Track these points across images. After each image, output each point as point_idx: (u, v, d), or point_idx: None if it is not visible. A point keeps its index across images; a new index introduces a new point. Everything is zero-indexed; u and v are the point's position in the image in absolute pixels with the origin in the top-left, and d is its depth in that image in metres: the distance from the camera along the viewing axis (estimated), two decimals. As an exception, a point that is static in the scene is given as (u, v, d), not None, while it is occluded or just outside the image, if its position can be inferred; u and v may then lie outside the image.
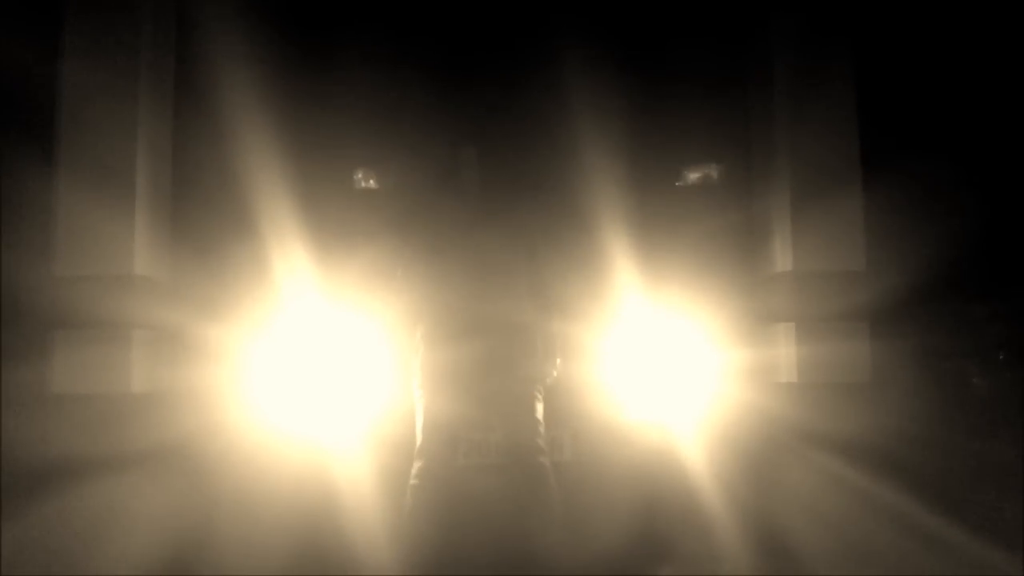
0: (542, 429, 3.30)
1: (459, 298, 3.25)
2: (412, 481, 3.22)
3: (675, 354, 3.96)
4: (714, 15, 4.40)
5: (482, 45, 4.37)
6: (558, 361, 3.42)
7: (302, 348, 3.81)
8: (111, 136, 3.78)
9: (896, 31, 4.12)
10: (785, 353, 4.04)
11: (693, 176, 4.39)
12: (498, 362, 3.23)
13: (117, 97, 3.80)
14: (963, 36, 4.11)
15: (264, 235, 3.91)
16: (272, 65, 3.99)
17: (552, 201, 4.12)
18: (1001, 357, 3.98)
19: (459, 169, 3.41)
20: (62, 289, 3.74)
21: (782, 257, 4.08)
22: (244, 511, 3.73)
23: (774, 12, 4.14)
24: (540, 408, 3.32)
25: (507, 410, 3.28)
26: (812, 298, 3.97)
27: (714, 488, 3.74)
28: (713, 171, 4.36)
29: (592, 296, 3.95)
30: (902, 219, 3.95)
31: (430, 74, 4.30)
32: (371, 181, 4.25)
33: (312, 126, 4.19)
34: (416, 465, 3.24)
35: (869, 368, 3.92)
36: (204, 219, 4.05)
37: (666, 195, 4.35)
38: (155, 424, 3.79)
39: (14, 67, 3.83)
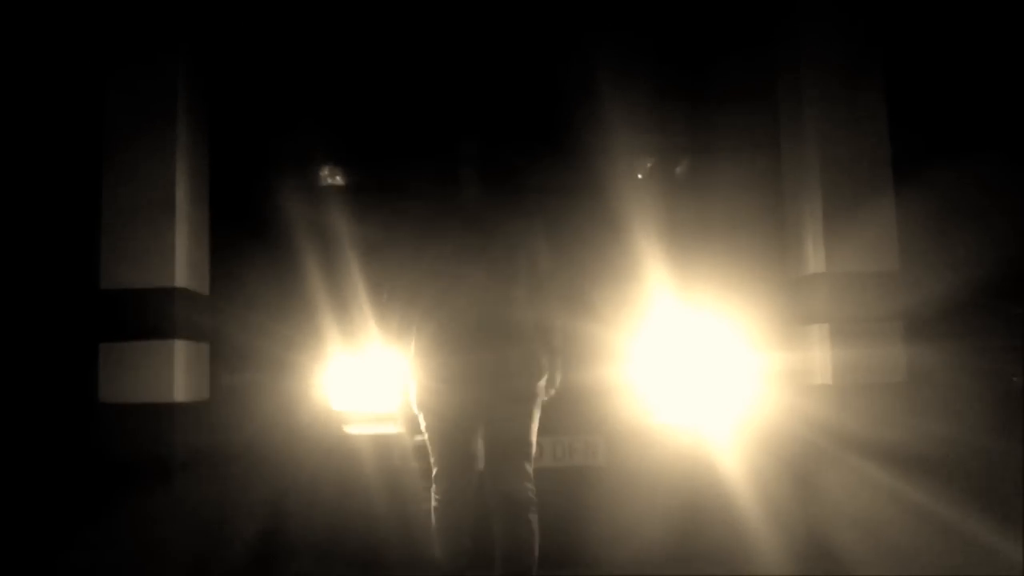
0: (530, 468, 3.08)
1: (456, 308, 3.06)
2: (433, 503, 3.10)
3: (708, 357, 3.96)
4: (743, 16, 4.39)
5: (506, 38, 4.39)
6: (558, 378, 3.21)
7: (339, 355, 3.88)
8: (153, 153, 3.88)
9: (926, 28, 4.08)
10: (819, 355, 4.02)
11: (725, 177, 4.37)
12: (496, 377, 3.03)
13: (157, 117, 3.91)
14: (995, 30, 4.06)
15: (299, 247, 4.01)
16: (303, 78, 4.06)
17: (579, 200, 4.13)
18: (1040, 355, 3.93)
19: (459, 188, 3.21)
20: (107, 302, 3.84)
21: (815, 258, 4.05)
22: (286, 517, 3.82)
23: (803, 13, 4.12)
24: (534, 433, 3.11)
25: (500, 438, 3.07)
26: (846, 299, 3.94)
27: (749, 490, 3.73)
28: (743, 171, 4.34)
29: (624, 298, 3.96)
30: (935, 218, 3.91)
31: (438, 69, 4.34)
32: (337, 177, 4.25)
33: (344, 135, 4.24)
34: (435, 487, 3.11)
35: (904, 369, 3.89)
36: (243, 232, 4.13)
37: (697, 196, 4.35)
38: (198, 432, 3.89)
39: (60, 90, 3.97)
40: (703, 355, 3.95)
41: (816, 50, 4.05)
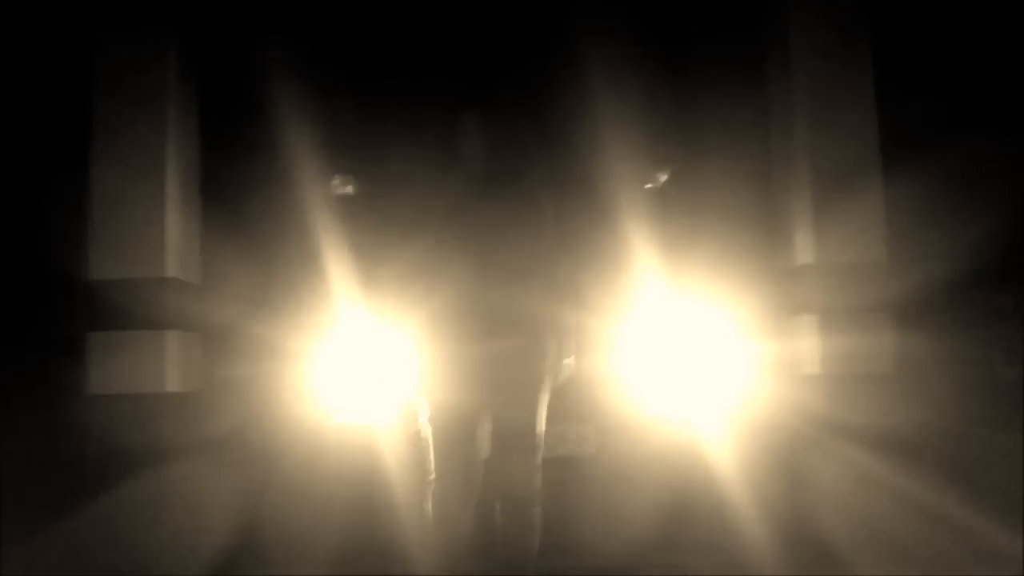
0: (538, 458, 2.98)
1: (459, 286, 2.93)
2: (433, 494, 3.00)
3: (698, 346, 3.99)
4: (733, 4, 4.39)
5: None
6: (571, 359, 3.11)
7: (332, 345, 3.88)
8: (142, 143, 3.88)
9: (916, 19, 4.09)
10: (808, 344, 4.04)
11: (713, 167, 4.37)
12: (499, 365, 2.91)
13: (147, 107, 3.90)
14: (986, 21, 4.07)
15: (292, 235, 4.02)
16: (290, 65, 4.05)
17: (568, 189, 4.06)
18: (1026, 346, 3.94)
19: (461, 138, 3.04)
20: (97, 292, 3.84)
21: (803, 249, 4.07)
22: (277, 508, 3.83)
23: (792, 3, 4.12)
24: (542, 423, 3.00)
25: (506, 428, 2.96)
26: (834, 290, 3.96)
27: (737, 479, 3.76)
28: (732, 162, 4.34)
29: (614, 288, 3.97)
30: (924, 209, 3.93)
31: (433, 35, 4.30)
32: (348, 187, 4.23)
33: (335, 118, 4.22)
34: (435, 477, 3.01)
35: (892, 359, 3.92)
36: (234, 222, 4.11)
37: (686, 186, 4.35)
38: (189, 422, 3.88)
39: (49, 81, 3.96)
40: (693, 345, 3.98)
41: (805, 38, 4.06)
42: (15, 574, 3.42)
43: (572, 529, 3.69)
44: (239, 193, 4.15)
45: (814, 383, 3.95)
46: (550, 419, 3.12)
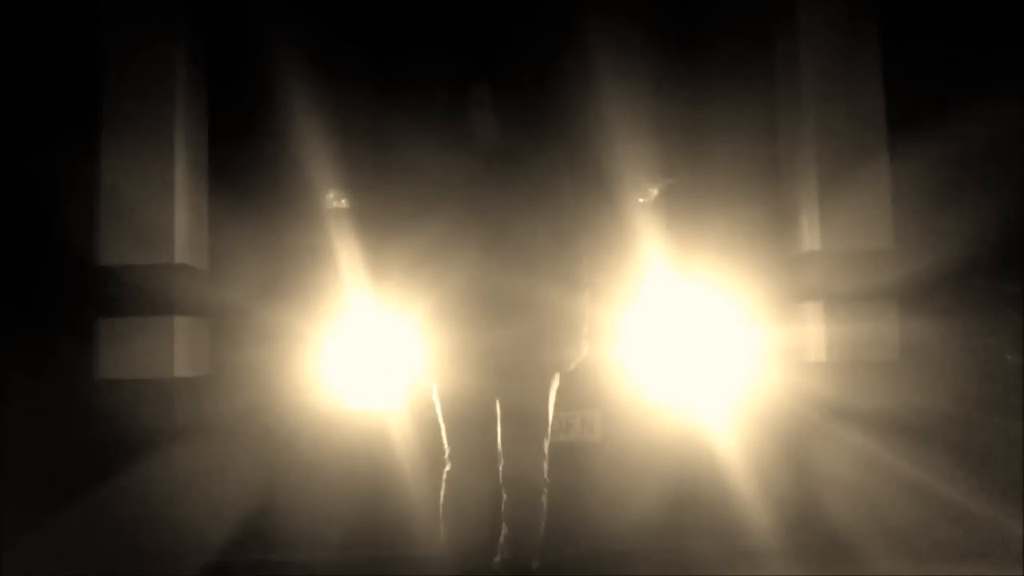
0: (546, 445, 2.92)
1: (469, 270, 2.82)
2: (445, 481, 2.94)
3: (704, 333, 3.99)
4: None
5: None
6: (585, 346, 2.97)
7: (340, 330, 3.90)
8: (151, 131, 3.90)
9: (923, 6, 4.09)
10: (814, 332, 4.05)
11: (720, 154, 4.36)
12: (514, 346, 2.82)
13: (155, 94, 3.92)
14: (994, 7, 4.06)
15: (299, 222, 4.04)
16: (298, 53, 4.05)
17: (577, 170, 4.08)
18: (1032, 333, 3.95)
19: (470, 110, 2.92)
20: (106, 278, 3.86)
21: (810, 236, 4.08)
22: (286, 493, 3.85)
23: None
24: (551, 409, 2.94)
25: (515, 414, 2.91)
26: (841, 277, 3.96)
27: (743, 466, 3.77)
28: (738, 149, 4.33)
29: (621, 274, 3.97)
30: (930, 196, 3.93)
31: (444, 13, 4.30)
32: (343, 201, 4.20)
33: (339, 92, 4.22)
34: (447, 464, 2.94)
35: (898, 346, 3.92)
36: (242, 208, 4.13)
37: (694, 174, 4.35)
38: (198, 408, 3.91)
39: (58, 69, 3.97)
40: (699, 332, 3.98)
41: (814, 25, 4.06)
42: (28, 556, 3.45)
43: (578, 515, 3.69)
44: (247, 179, 4.16)
45: (820, 370, 3.96)
46: (557, 406, 3.06)
